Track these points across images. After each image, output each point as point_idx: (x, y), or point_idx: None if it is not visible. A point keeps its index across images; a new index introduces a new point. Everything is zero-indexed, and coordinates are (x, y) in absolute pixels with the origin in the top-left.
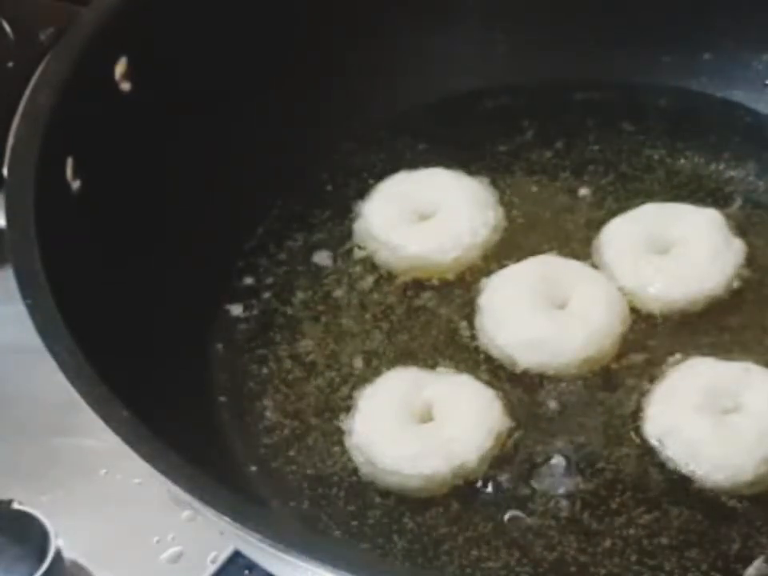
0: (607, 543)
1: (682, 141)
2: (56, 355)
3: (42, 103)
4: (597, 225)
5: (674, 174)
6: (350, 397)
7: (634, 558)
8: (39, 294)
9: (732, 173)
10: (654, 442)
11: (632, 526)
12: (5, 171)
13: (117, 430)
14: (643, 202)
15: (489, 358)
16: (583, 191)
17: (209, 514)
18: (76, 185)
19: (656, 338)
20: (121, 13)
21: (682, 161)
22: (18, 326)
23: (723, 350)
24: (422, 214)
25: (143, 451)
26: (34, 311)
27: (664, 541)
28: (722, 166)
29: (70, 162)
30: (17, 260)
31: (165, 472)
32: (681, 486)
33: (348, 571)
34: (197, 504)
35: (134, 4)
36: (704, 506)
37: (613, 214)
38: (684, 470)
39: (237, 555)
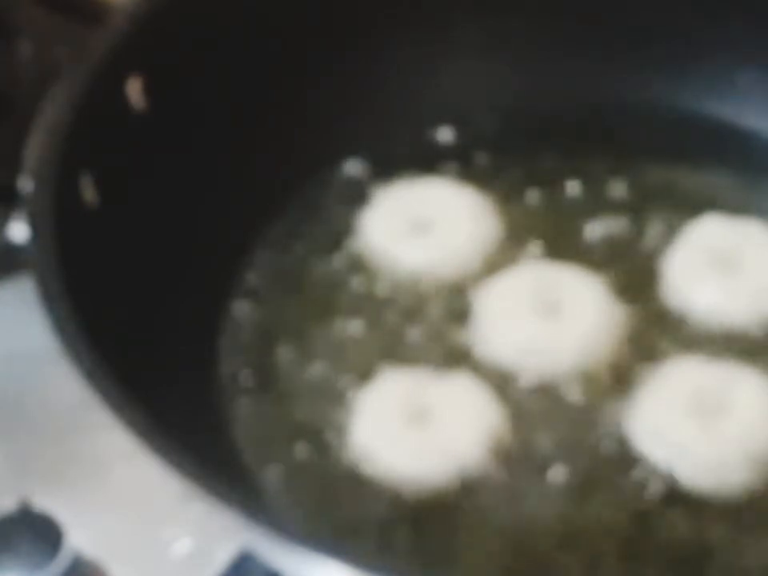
0: (594, 545)
1: (673, 155)
2: (72, 357)
3: (57, 121)
4: (594, 234)
5: (667, 189)
6: (349, 397)
7: (620, 560)
8: (56, 300)
9: (716, 186)
10: (640, 443)
11: (619, 528)
12: (22, 186)
13: (135, 431)
14: (636, 216)
15: (485, 363)
16: (581, 202)
17: (222, 512)
18: (92, 197)
19: (652, 341)
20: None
21: (671, 175)
22: (31, 330)
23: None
24: (421, 226)
25: (161, 452)
26: (51, 315)
27: (650, 543)
28: (705, 180)
29: (86, 177)
30: (38, 266)
31: (181, 472)
32: (667, 488)
33: (361, 567)
34: (210, 502)
35: (147, 24)
36: (690, 509)
37: (609, 224)
38: (670, 472)
39: (248, 552)
